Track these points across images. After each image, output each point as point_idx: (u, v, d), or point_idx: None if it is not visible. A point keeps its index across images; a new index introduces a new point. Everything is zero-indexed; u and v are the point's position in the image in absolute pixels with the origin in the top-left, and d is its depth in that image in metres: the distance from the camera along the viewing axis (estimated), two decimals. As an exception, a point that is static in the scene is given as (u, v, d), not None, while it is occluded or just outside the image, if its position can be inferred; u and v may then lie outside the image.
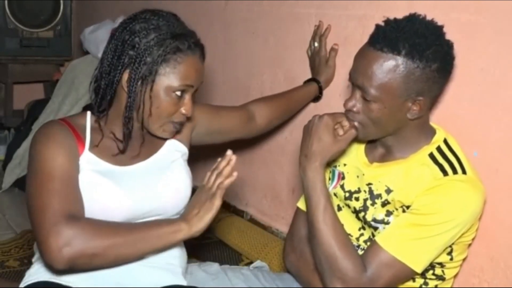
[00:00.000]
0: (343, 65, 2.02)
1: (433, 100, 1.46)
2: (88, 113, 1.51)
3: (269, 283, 1.65)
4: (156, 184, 1.49)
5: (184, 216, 1.40)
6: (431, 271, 1.47)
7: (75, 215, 1.33)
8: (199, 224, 1.37)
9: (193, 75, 1.44)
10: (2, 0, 3.72)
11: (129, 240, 1.35)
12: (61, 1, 3.88)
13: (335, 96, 2.05)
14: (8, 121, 3.88)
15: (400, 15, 1.65)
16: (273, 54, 2.33)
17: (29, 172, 1.41)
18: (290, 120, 2.16)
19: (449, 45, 1.41)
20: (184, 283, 1.52)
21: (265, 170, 2.42)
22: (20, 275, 1.48)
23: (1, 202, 3.09)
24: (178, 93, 1.42)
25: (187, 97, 1.45)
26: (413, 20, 1.40)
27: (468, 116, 1.58)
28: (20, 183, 3.23)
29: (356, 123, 1.45)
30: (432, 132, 1.49)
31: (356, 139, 1.49)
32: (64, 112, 3.25)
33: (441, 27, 1.41)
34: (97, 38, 3.18)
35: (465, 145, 1.53)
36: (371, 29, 1.77)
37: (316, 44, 2.07)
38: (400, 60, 1.35)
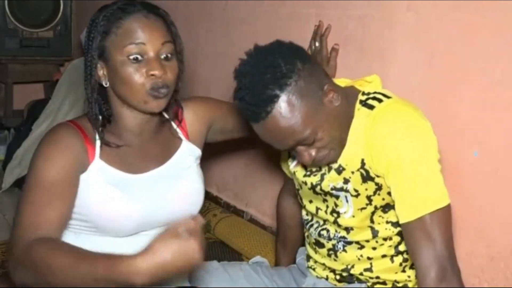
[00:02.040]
0: (343, 65, 2.01)
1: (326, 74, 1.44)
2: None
3: (268, 278, 1.66)
4: (168, 194, 1.45)
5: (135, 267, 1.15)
6: (403, 242, 1.45)
7: (44, 236, 1.28)
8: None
9: (140, 32, 1.35)
10: (2, 0, 3.72)
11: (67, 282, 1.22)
12: (61, 1, 3.89)
13: (335, 96, 2.05)
14: (8, 121, 3.88)
15: (400, 15, 1.66)
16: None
17: (26, 177, 1.39)
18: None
19: (276, 44, 1.41)
20: (187, 284, 1.52)
21: (265, 170, 2.42)
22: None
23: (1, 202, 3.09)
24: (132, 57, 1.35)
25: (151, 59, 1.35)
26: (244, 71, 1.35)
27: (468, 116, 1.58)
28: (20, 183, 3.23)
29: (326, 160, 1.42)
30: (354, 94, 1.47)
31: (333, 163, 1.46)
32: (64, 112, 3.25)
33: (255, 48, 1.39)
34: (97, 38, 3.18)
35: (465, 145, 1.53)
36: (371, 29, 1.78)
37: (317, 44, 2.07)
38: (284, 97, 1.30)
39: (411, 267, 1.50)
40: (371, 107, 1.41)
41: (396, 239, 1.48)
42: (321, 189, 1.50)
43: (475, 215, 1.57)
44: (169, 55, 1.39)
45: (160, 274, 1.14)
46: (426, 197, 1.35)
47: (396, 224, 1.46)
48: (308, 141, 1.36)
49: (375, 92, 1.45)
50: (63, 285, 1.22)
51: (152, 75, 1.35)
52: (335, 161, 1.45)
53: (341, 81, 1.53)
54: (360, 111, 1.42)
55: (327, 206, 1.52)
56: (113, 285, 1.17)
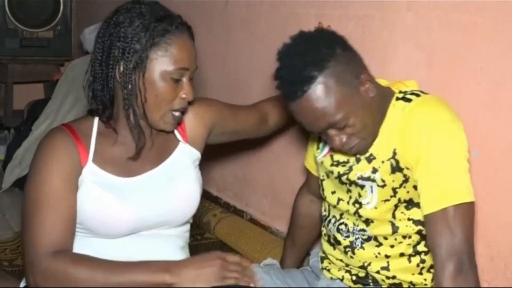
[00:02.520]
0: (343, 65, 2.02)
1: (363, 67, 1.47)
2: (96, 118, 1.46)
3: (280, 280, 1.65)
4: (164, 196, 1.45)
5: (175, 268, 1.34)
6: (423, 242, 1.48)
7: (60, 250, 1.33)
8: (187, 284, 1.32)
9: (186, 56, 1.39)
10: (2, 0, 3.72)
11: (107, 284, 1.32)
12: (61, 1, 3.89)
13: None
14: (8, 121, 3.88)
15: (400, 15, 1.66)
16: (273, 54, 2.32)
17: (26, 187, 1.39)
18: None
19: (320, 32, 1.47)
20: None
21: (265, 170, 2.42)
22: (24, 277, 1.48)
23: (1, 202, 3.09)
24: (175, 77, 1.38)
25: (185, 80, 1.40)
26: (286, 52, 1.42)
27: (468, 116, 1.57)
28: (20, 183, 3.22)
29: (355, 149, 1.45)
30: (390, 93, 1.49)
31: (362, 153, 1.49)
32: (64, 112, 3.25)
33: (301, 33, 1.44)
34: (97, 38, 3.18)
35: (465, 145, 1.52)
36: (371, 29, 1.78)
37: None
38: (321, 78, 1.35)
39: (428, 270, 1.51)
40: (408, 100, 1.44)
41: (416, 237, 1.49)
42: (347, 178, 1.51)
43: (475, 215, 1.56)
44: (192, 75, 1.44)
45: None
46: (452, 190, 1.37)
47: (417, 222, 1.47)
48: (340, 125, 1.39)
49: (412, 90, 1.49)
50: None
51: (184, 98, 1.41)
52: (364, 152, 1.47)
53: (380, 81, 1.55)
54: (395, 106, 1.45)
55: (350, 197, 1.53)
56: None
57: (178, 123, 1.49)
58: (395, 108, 1.45)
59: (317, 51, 1.38)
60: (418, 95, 1.45)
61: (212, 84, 2.60)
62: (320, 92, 1.35)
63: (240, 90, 2.50)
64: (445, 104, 1.44)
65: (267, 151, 2.40)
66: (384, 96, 1.47)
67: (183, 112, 1.46)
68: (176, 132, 1.54)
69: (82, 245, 1.40)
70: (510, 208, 1.49)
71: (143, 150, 1.45)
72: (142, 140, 1.43)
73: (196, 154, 1.57)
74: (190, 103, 1.47)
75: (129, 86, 1.37)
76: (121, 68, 1.37)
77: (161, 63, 1.37)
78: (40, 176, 1.37)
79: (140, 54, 1.35)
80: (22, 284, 1.48)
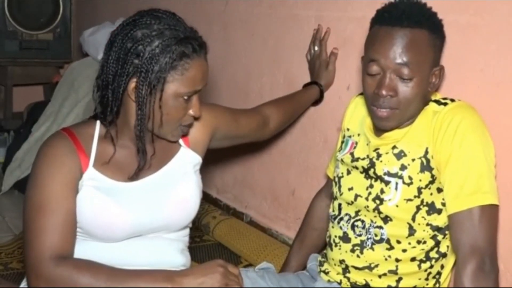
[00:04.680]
0: (343, 67, 2.01)
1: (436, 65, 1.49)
2: (98, 122, 1.45)
3: (274, 284, 1.65)
4: (164, 201, 1.45)
5: (178, 277, 1.34)
6: (435, 249, 1.49)
7: (61, 255, 1.33)
8: None
9: (200, 78, 1.40)
10: (1, 2, 3.72)
11: None
12: (61, 3, 3.88)
13: (335, 98, 2.04)
14: (8, 124, 3.88)
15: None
16: (273, 56, 2.33)
17: (27, 192, 1.39)
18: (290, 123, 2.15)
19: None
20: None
21: (265, 172, 2.42)
22: (24, 277, 1.48)
23: (0, 204, 3.09)
24: (186, 97, 1.39)
25: (195, 99, 1.41)
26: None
27: (468, 117, 1.57)
28: (20, 185, 3.23)
29: (388, 110, 1.46)
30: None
31: (385, 130, 1.51)
32: (63, 114, 3.25)
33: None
34: (97, 40, 3.18)
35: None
36: (370, 30, 1.77)
37: (316, 48, 2.06)
38: (426, 33, 1.41)
39: (434, 276, 1.52)
40: (443, 104, 1.48)
41: (430, 243, 1.49)
42: (374, 172, 1.52)
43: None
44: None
45: None
46: (478, 191, 1.39)
47: (435, 227, 1.48)
48: (405, 74, 1.41)
49: (446, 97, 1.52)
50: None
51: (192, 115, 1.43)
52: (392, 126, 1.48)
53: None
54: (429, 107, 1.49)
55: (370, 193, 1.53)
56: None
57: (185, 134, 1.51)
58: (429, 109, 1.48)
59: (433, 14, 1.45)
60: (453, 100, 1.48)
61: (211, 86, 2.60)
62: (419, 38, 1.40)
63: (239, 91, 2.50)
64: (476, 111, 1.47)
65: (267, 154, 2.39)
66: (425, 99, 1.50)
67: (190, 126, 1.48)
68: None
69: (82, 249, 1.40)
70: (510, 208, 1.49)
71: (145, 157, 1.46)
72: (142, 162, 1.43)
73: (198, 159, 1.56)
74: (196, 119, 1.48)
75: (143, 106, 1.37)
76: (135, 85, 1.36)
77: (176, 85, 1.37)
78: (41, 182, 1.37)
79: (157, 76, 1.35)
80: (23, 284, 1.47)
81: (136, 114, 1.38)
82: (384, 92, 1.43)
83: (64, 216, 1.35)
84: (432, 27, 1.42)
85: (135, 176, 1.43)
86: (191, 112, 1.42)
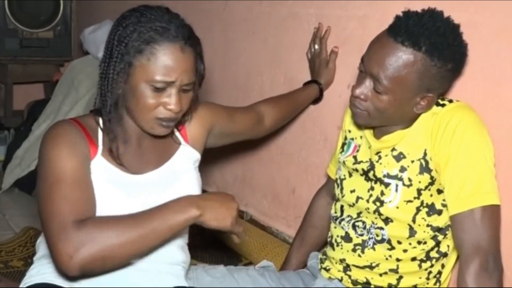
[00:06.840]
0: (343, 65, 2.01)
1: (439, 96, 1.48)
2: (99, 116, 1.45)
3: (275, 282, 1.65)
4: (164, 197, 1.42)
5: (200, 201, 1.35)
6: (436, 249, 1.49)
7: (84, 218, 1.29)
8: (211, 218, 1.36)
9: (173, 69, 1.34)
10: (2, 0, 3.72)
11: (140, 235, 1.29)
12: (61, 2, 3.88)
13: (335, 97, 2.05)
14: (8, 122, 3.88)
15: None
16: (273, 55, 2.33)
17: (39, 174, 1.36)
18: (290, 121, 2.16)
19: (465, 46, 1.42)
20: (187, 285, 1.51)
21: (265, 170, 2.42)
22: (24, 275, 1.48)
23: (1, 203, 3.09)
24: (158, 85, 1.34)
25: (173, 92, 1.36)
26: (435, 16, 1.40)
27: (468, 116, 1.57)
28: (20, 184, 3.23)
29: (357, 110, 1.46)
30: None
31: (358, 125, 1.52)
32: (64, 112, 3.25)
33: (458, 26, 1.42)
34: (97, 38, 3.18)
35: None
36: (371, 29, 1.77)
37: (316, 47, 2.06)
38: (419, 56, 1.36)
39: (435, 275, 1.53)
40: (442, 105, 1.46)
41: (431, 243, 1.50)
42: (374, 174, 1.52)
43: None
44: (189, 87, 1.40)
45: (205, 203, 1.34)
46: (479, 191, 1.39)
47: (435, 228, 1.48)
48: (379, 86, 1.39)
49: (444, 98, 1.51)
50: (140, 238, 1.29)
51: (169, 109, 1.37)
52: (361, 124, 1.50)
53: None
54: (427, 113, 1.47)
55: (371, 195, 1.53)
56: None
57: (176, 127, 1.50)
58: (427, 111, 1.47)
59: (450, 42, 1.37)
60: (451, 101, 1.48)
61: (211, 84, 2.60)
62: (408, 58, 1.35)
63: (240, 90, 2.50)
64: (475, 111, 1.47)
65: (267, 152, 2.40)
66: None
67: (175, 122, 1.44)
68: (177, 133, 1.55)
69: None
70: (510, 208, 1.49)
71: (146, 150, 1.47)
72: (115, 146, 1.42)
73: (196, 155, 1.57)
74: (190, 110, 1.47)
75: (115, 90, 1.37)
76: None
77: (143, 70, 1.34)
78: (56, 159, 1.34)
79: (124, 58, 1.35)
80: (22, 284, 1.47)
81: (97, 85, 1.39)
82: (356, 92, 1.44)
83: (83, 185, 1.34)
84: (433, 53, 1.35)
85: (132, 168, 1.43)
86: (167, 106, 1.37)
